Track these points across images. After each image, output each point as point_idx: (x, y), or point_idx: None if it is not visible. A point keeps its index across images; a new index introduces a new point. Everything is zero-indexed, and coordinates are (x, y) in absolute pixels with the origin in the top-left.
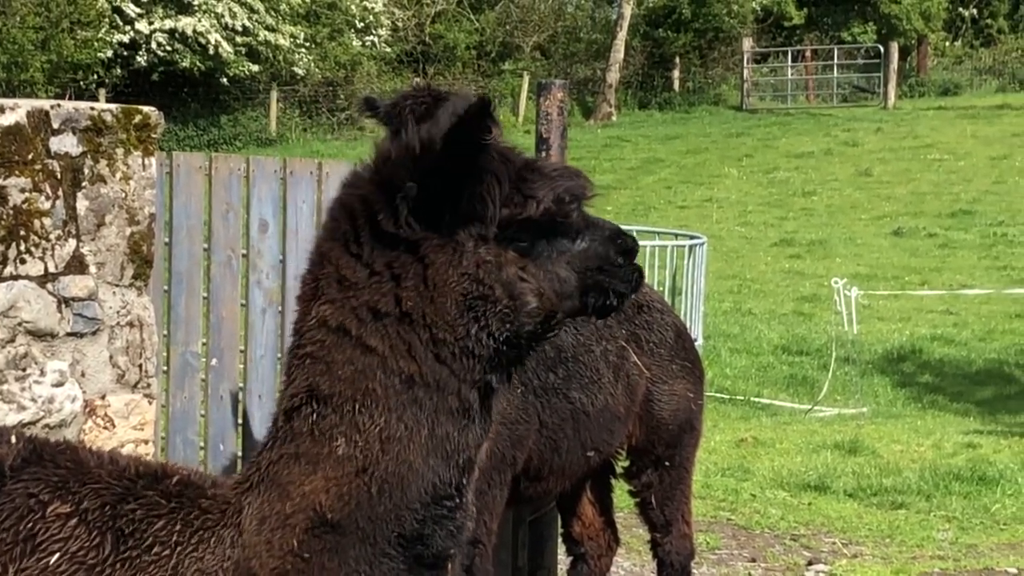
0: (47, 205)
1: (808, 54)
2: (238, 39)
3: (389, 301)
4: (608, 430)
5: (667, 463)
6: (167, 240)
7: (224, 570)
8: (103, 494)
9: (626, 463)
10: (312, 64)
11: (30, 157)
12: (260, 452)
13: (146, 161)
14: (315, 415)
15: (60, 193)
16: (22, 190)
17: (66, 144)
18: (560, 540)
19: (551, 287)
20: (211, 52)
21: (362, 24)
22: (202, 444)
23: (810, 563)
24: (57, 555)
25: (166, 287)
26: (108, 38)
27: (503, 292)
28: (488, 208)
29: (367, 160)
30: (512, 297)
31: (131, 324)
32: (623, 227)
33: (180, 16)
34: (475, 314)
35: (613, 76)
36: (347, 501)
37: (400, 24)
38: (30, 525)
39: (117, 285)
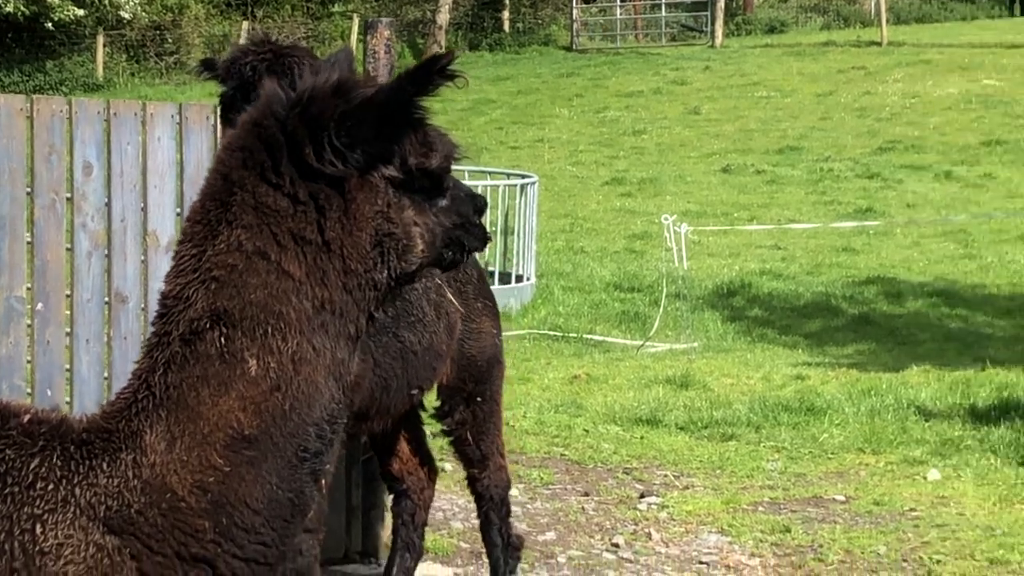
0: None
1: None
2: None
3: (313, 229)
4: (432, 368)
5: (479, 399)
6: None
7: (130, 489)
8: None
9: (437, 402)
10: (139, 8)
11: None
12: (144, 378)
13: None
14: (223, 338)
15: None
16: None
17: None
18: None
19: (430, 235)
20: None
21: None
22: (29, 390)
23: (642, 495)
24: None
25: None
26: None
27: (403, 232)
28: (403, 152)
29: (283, 96)
30: (408, 238)
31: None
32: (455, 168)
33: None
34: (381, 249)
35: (443, 17)
36: (263, 417)
37: None
38: None
39: None
